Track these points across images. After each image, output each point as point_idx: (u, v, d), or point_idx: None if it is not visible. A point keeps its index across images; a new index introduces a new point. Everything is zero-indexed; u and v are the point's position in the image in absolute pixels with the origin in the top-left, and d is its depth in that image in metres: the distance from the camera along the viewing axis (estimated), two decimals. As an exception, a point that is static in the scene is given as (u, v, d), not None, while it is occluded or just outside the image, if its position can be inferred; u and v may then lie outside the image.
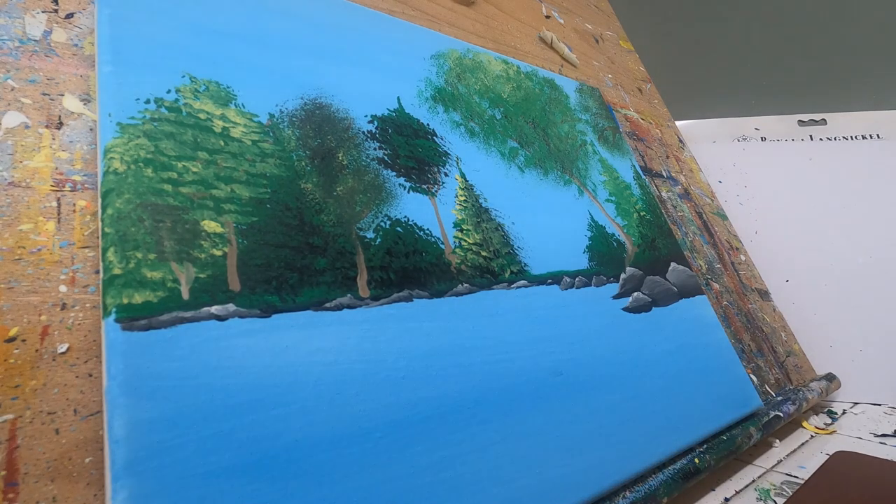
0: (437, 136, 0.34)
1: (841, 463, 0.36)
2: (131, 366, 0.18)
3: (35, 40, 0.23)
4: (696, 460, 0.32)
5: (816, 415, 0.49)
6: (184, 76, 0.25)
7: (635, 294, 0.38)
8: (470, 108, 0.37)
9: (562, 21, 0.61)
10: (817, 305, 0.57)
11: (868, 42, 0.73)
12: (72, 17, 0.25)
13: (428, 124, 0.34)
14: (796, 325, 0.56)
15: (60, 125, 0.22)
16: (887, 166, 0.60)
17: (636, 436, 0.30)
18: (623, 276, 0.38)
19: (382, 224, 0.27)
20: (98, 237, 0.20)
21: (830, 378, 0.51)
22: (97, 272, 0.20)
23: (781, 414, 0.41)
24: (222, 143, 0.24)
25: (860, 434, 0.44)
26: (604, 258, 0.38)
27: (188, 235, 0.21)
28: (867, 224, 0.58)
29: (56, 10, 0.24)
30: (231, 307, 0.21)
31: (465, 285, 0.29)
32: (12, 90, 0.21)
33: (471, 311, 0.28)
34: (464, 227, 0.31)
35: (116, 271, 0.19)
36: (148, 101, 0.23)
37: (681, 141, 0.66)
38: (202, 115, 0.24)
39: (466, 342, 0.27)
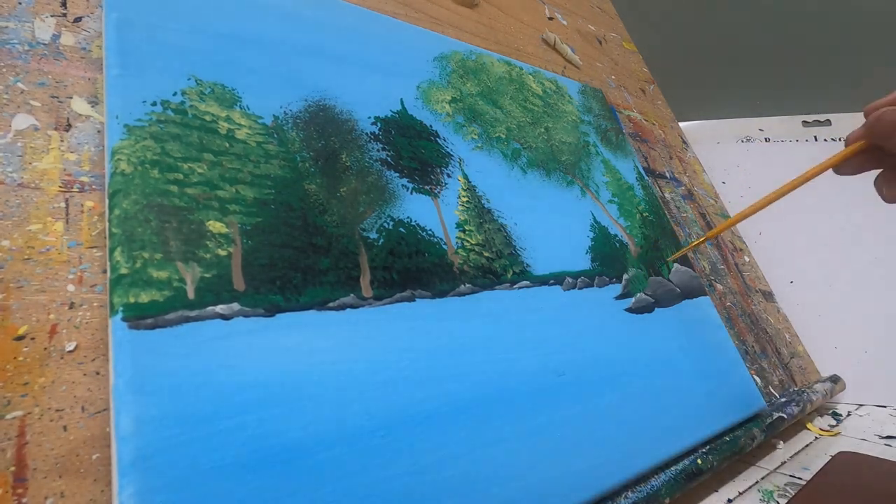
0: (439, 137, 0.34)
1: (843, 463, 0.36)
2: (138, 364, 0.18)
3: (44, 44, 0.23)
4: (699, 461, 0.32)
5: (821, 416, 0.49)
6: (189, 79, 0.25)
7: (638, 295, 0.38)
8: (473, 109, 0.38)
9: (565, 23, 0.61)
10: (822, 307, 0.57)
11: (872, 42, 0.73)
12: (80, 21, 0.25)
13: (431, 126, 0.34)
14: (800, 327, 0.56)
15: (69, 127, 0.22)
16: (892, 167, 0.60)
17: (638, 436, 0.30)
18: (626, 276, 0.38)
19: (385, 225, 0.28)
20: (105, 237, 0.21)
21: (835, 379, 0.51)
22: (104, 272, 0.21)
23: (785, 415, 0.41)
24: (227, 145, 0.24)
25: (865, 436, 0.44)
26: (606, 259, 0.38)
27: (194, 236, 0.21)
28: (872, 225, 0.58)
29: (64, 15, 0.25)
30: (236, 306, 0.21)
31: (468, 286, 0.29)
32: (22, 93, 0.22)
33: (473, 311, 0.28)
34: (466, 227, 0.31)
35: (123, 271, 0.19)
36: (154, 104, 0.23)
37: (684, 142, 0.66)
38: (207, 117, 0.24)
39: (468, 342, 0.27)
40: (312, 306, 0.23)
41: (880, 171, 0.30)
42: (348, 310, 0.24)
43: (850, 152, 0.30)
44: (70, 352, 0.19)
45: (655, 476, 0.30)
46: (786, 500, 0.33)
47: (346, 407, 0.22)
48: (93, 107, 0.24)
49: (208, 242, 0.22)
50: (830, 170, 0.31)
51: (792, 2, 0.79)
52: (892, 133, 0.28)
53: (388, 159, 0.30)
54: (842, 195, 0.61)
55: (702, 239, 0.36)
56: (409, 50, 0.37)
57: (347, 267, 0.25)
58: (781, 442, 0.42)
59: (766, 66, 0.82)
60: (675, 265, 0.43)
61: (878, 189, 0.31)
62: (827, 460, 0.38)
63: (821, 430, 0.45)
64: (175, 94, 0.24)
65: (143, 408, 0.17)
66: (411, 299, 0.26)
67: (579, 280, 0.35)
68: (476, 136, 0.36)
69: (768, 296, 0.57)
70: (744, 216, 0.34)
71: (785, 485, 0.35)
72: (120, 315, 0.18)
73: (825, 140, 0.66)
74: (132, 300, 0.19)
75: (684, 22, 0.87)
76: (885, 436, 0.43)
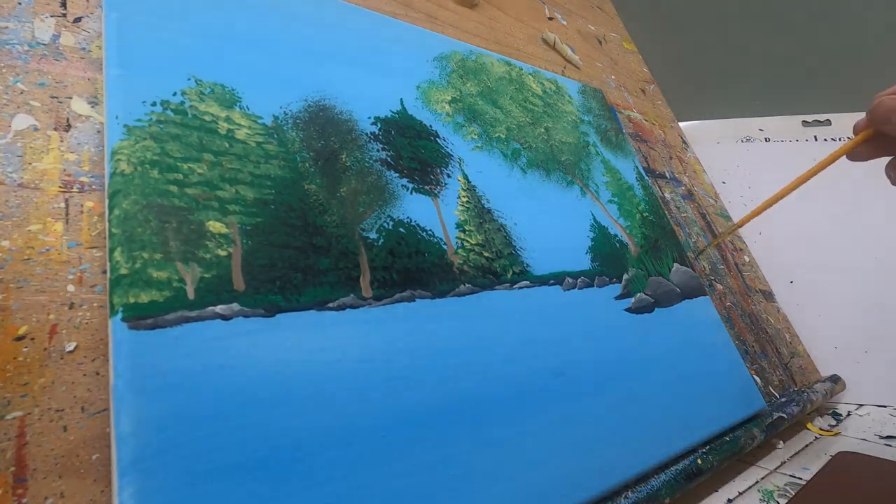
0: (439, 137, 0.34)
1: (843, 464, 0.36)
2: (138, 364, 0.18)
3: (44, 44, 0.23)
4: (699, 461, 0.32)
5: (821, 416, 0.49)
6: (189, 79, 0.25)
7: (638, 295, 0.38)
8: (472, 109, 0.38)
9: (565, 23, 0.61)
10: (822, 307, 0.57)
11: (872, 42, 0.73)
12: (80, 21, 0.25)
13: (430, 126, 0.34)
14: (800, 327, 0.56)
15: (68, 127, 0.22)
16: (892, 167, 0.60)
17: (638, 436, 0.30)
18: (626, 276, 0.38)
19: (385, 225, 0.28)
20: (105, 238, 0.21)
21: (835, 380, 0.51)
22: (104, 272, 0.21)
23: (785, 415, 0.41)
24: (227, 145, 0.24)
25: (865, 436, 0.44)
26: (606, 259, 0.38)
27: (193, 236, 0.21)
28: (872, 225, 0.58)
29: (64, 15, 0.25)
30: (235, 307, 0.21)
31: (468, 286, 0.29)
32: (22, 93, 0.22)
33: (473, 311, 0.28)
34: (466, 227, 0.31)
35: (123, 271, 0.19)
36: (154, 104, 0.23)
37: (684, 142, 0.66)
38: (207, 118, 0.24)
39: (468, 342, 0.27)
40: (312, 306, 0.23)
41: (891, 158, 0.32)
42: (348, 310, 0.24)
43: (857, 141, 0.32)
44: (70, 352, 0.19)
45: (655, 476, 0.30)
46: (786, 500, 0.33)
47: (346, 407, 0.22)
48: (92, 107, 0.24)
49: (208, 243, 0.22)
50: (838, 163, 0.33)
51: (792, 2, 0.79)
52: (889, 117, 0.30)
53: (388, 159, 0.30)
54: (842, 195, 0.61)
55: (733, 228, 0.40)
56: (409, 50, 0.37)
57: (347, 267, 0.25)
58: (781, 442, 0.42)
59: (766, 66, 0.82)
60: (676, 265, 0.43)
61: (888, 175, 0.32)
62: (827, 460, 0.38)
63: (821, 430, 0.45)
64: (175, 94, 0.24)
65: (143, 408, 0.17)
66: (411, 299, 0.26)
67: (579, 280, 0.35)
68: (476, 137, 0.36)
69: (768, 296, 0.57)
70: (766, 206, 0.37)
71: (785, 485, 0.35)
72: (120, 315, 0.18)
73: (825, 140, 0.66)
74: (132, 300, 0.19)
75: (684, 22, 0.87)
76: (885, 436, 0.43)
